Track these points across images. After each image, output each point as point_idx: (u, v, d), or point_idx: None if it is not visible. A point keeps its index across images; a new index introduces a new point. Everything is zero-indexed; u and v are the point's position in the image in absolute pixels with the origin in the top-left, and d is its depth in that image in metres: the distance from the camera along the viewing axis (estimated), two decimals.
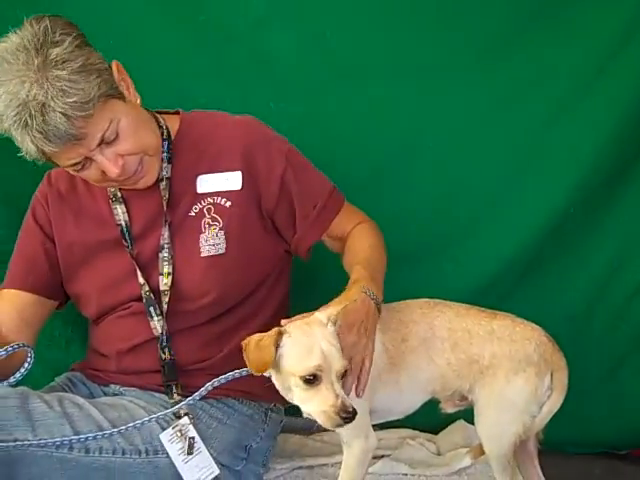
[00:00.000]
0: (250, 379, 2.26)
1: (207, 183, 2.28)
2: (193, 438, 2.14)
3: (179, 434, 2.13)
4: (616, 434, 3.11)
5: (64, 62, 1.97)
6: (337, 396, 1.86)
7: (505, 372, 2.08)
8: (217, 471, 2.16)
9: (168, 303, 2.23)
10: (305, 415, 1.93)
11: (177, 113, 2.40)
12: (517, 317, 2.19)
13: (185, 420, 2.15)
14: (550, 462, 2.88)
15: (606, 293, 3.07)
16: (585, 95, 2.92)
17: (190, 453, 2.13)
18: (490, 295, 2.93)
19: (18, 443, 1.92)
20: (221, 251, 2.26)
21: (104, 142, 2.08)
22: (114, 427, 2.06)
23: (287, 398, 1.96)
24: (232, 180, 2.28)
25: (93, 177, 2.17)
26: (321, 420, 1.87)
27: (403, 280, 2.90)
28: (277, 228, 2.35)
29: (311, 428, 2.81)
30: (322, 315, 1.94)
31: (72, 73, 1.97)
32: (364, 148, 2.98)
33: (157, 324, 2.24)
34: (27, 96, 1.94)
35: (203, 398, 2.21)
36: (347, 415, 1.85)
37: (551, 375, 2.11)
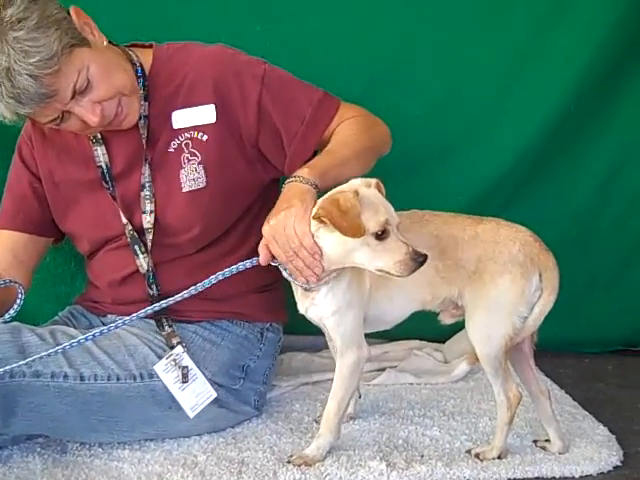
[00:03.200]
0: (242, 300, 2.34)
1: (182, 118, 2.25)
2: (187, 367, 2.16)
3: (173, 363, 2.16)
4: (629, 331, 3.11)
5: (20, 21, 1.94)
6: (407, 244, 1.92)
7: (491, 274, 2.05)
8: (214, 394, 2.19)
9: (152, 240, 2.24)
10: (376, 271, 1.95)
11: (150, 47, 2.34)
12: (503, 220, 2.14)
13: (179, 349, 2.17)
14: (562, 362, 2.95)
15: (611, 193, 3.05)
16: None
17: (185, 381, 2.15)
18: (492, 202, 2.93)
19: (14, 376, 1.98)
20: (202, 185, 2.24)
21: (77, 93, 2.06)
22: (107, 355, 2.11)
23: (344, 264, 1.98)
24: (206, 114, 2.24)
25: (75, 128, 2.17)
26: (399, 270, 1.91)
27: (403, 190, 2.88)
28: (265, 156, 2.31)
29: (317, 346, 2.85)
30: (357, 182, 1.98)
31: (30, 31, 1.94)
32: (357, 62, 2.93)
33: (143, 261, 2.26)
34: None
35: (197, 322, 2.30)
36: (421, 257, 1.90)
37: (540, 275, 2.06)
